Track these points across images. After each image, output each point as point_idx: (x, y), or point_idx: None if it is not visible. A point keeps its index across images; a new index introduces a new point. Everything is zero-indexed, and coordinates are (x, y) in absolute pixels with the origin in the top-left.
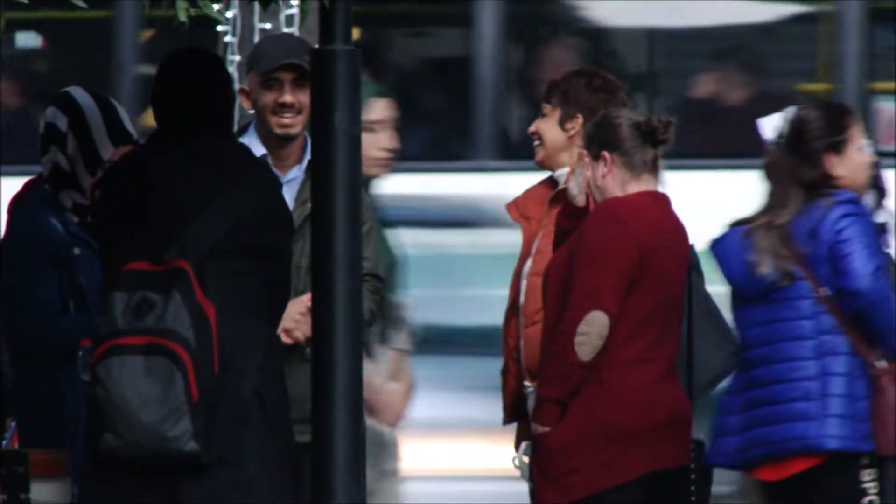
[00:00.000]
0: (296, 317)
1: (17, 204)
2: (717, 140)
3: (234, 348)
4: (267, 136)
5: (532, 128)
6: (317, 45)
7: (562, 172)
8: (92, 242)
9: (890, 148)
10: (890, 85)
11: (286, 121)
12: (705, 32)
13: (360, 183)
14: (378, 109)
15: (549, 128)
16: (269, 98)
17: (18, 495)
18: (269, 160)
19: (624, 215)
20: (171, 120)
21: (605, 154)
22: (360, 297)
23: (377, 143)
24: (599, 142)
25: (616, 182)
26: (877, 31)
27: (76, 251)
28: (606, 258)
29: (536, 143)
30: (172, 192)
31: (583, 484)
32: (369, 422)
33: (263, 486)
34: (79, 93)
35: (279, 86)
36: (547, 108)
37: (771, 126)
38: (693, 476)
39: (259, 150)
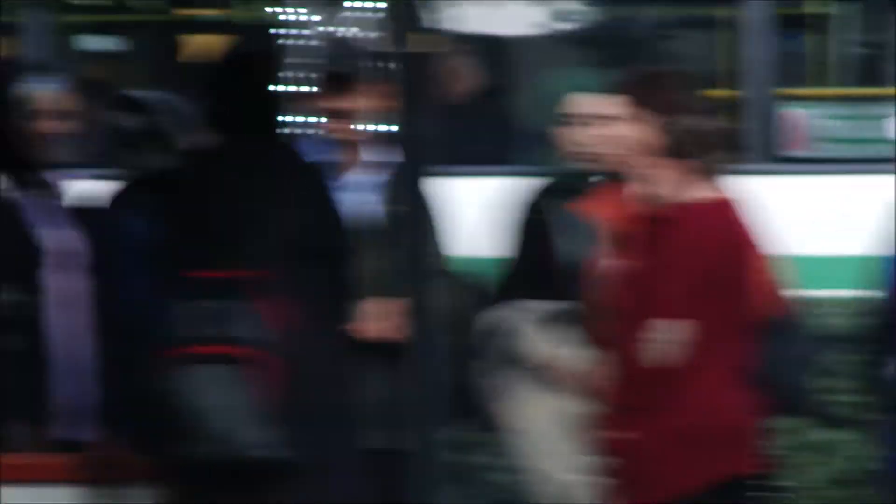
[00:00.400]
0: (380, 317)
1: (119, 205)
2: None
3: (305, 353)
4: (326, 139)
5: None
6: (395, 48)
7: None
8: None
9: (796, 154)
10: (796, 91)
11: (338, 126)
12: (602, 36)
13: (426, 184)
14: (581, 104)
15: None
16: (327, 104)
17: (110, 499)
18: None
19: (693, 222)
20: (224, 123)
21: (678, 158)
22: (441, 301)
23: (573, 136)
24: (673, 143)
25: (688, 185)
26: (782, 36)
27: None
28: (679, 266)
29: (626, 150)
30: (232, 198)
31: (648, 491)
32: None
33: (342, 489)
34: (135, 94)
35: (330, 92)
36: (638, 113)
37: None
38: (763, 483)
39: (320, 152)
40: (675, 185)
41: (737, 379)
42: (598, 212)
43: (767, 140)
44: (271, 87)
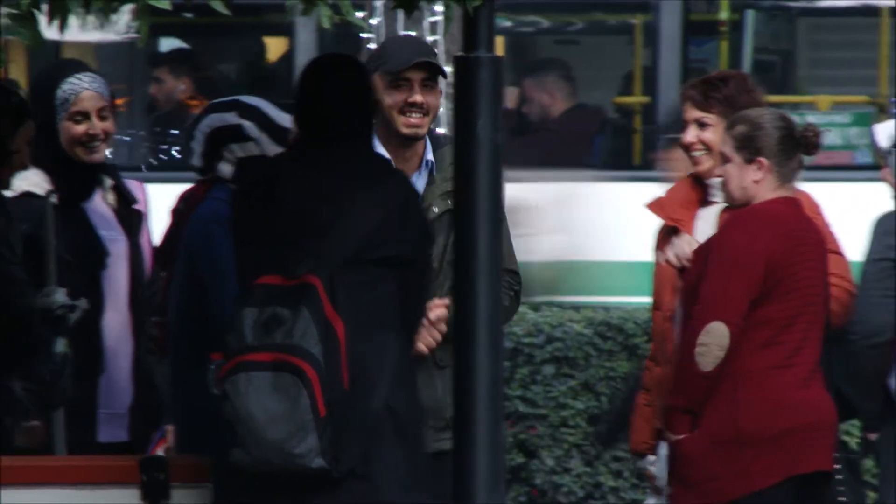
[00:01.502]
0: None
1: (190, 201)
2: (535, 152)
3: (365, 362)
4: (389, 138)
5: (691, 139)
6: (460, 52)
7: (718, 180)
8: None
9: None
10: None
11: (414, 120)
12: (524, 42)
13: (502, 189)
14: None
15: (719, 138)
16: (398, 98)
17: (159, 501)
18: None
19: (753, 225)
20: (308, 126)
21: (762, 160)
22: (501, 304)
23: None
24: (756, 147)
25: (768, 188)
26: (692, 43)
27: None
28: (732, 269)
29: (700, 152)
30: (304, 204)
31: (721, 490)
32: None
33: (395, 499)
34: (219, 100)
35: (409, 86)
36: (710, 118)
37: (885, 134)
38: (842, 477)
39: (380, 152)
40: (753, 186)
41: (811, 375)
42: (671, 212)
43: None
44: (354, 90)
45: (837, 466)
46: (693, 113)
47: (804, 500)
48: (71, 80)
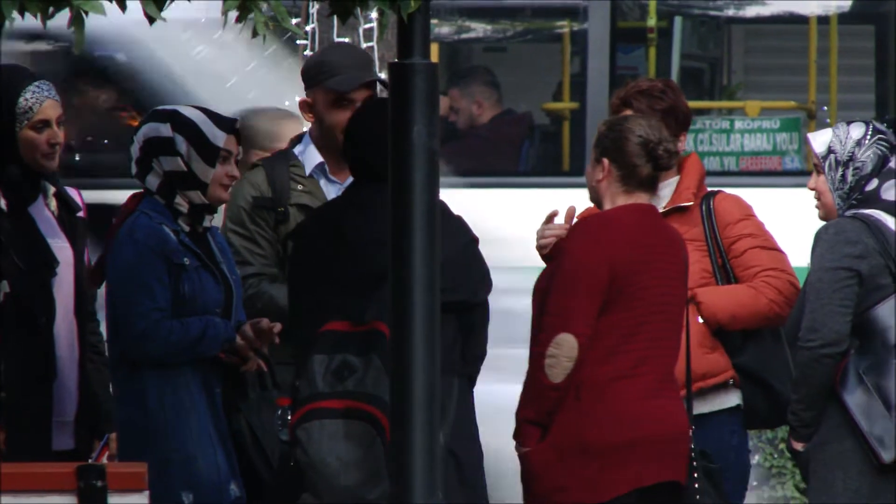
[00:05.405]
0: None
1: (122, 215)
2: (466, 159)
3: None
4: (328, 148)
5: None
6: (395, 59)
7: (665, 183)
8: (200, 253)
9: None
10: None
11: None
12: (453, 48)
13: (437, 196)
14: None
15: None
16: (342, 117)
17: None
18: (327, 168)
19: (597, 234)
20: (361, 170)
21: (605, 161)
22: (438, 312)
23: None
24: (604, 147)
25: (609, 192)
26: (620, 50)
27: (186, 261)
28: (577, 279)
29: None
30: (367, 250)
31: (569, 502)
32: None
33: None
34: (162, 107)
35: (352, 106)
36: None
37: (821, 140)
38: (697, 486)
39: (316, 158)
40: (596, 184)
41: (661, 384)
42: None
43: None
44: None
45: (696, 475)
46: None
47: None
48: (32, 88)
